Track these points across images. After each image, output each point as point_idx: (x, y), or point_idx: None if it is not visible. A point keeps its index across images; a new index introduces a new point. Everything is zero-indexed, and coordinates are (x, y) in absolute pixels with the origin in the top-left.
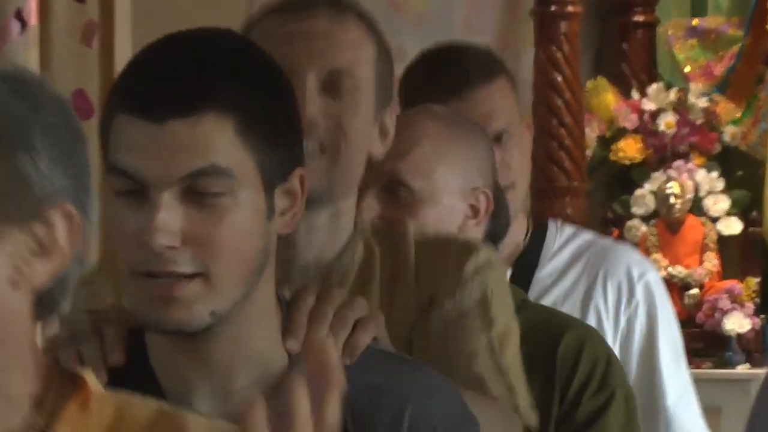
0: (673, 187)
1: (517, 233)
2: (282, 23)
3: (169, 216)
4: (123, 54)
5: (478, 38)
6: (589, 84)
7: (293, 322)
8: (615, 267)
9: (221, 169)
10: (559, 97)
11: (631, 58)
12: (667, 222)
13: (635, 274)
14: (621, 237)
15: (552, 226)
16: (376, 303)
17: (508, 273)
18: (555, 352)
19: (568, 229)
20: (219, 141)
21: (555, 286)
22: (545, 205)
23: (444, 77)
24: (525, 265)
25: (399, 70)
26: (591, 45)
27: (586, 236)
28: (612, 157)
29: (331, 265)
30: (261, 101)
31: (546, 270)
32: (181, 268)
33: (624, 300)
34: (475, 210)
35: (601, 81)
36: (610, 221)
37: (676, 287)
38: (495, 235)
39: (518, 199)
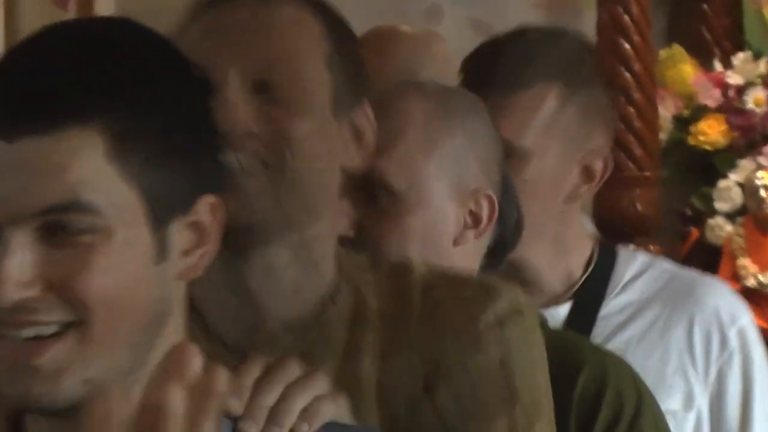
0: (764, 178)
1: (577, 259)
2: (205, 17)
3: (22, 261)
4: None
5: None
6: (662, 53)
7: (235, 386)
8: (703, 308)
9: (85, 205)
10: (626, 69)
11: (712, 22)
12: (756, 220)
13: (726, 318)
14: (701, 237)
15: (623, 252)
16: (367, 372)
17: (566, 308)
18: (572, 389)
19: (642, 257)
20: (84, 167)
21: (626, 327)
22: (611, 198)
23: (474, 76)
24: (588, 299)
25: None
26: (665, 6)
27: (665, 266)
28: (690, 141)
29: (307, 322)
30: (146, 110)
31: (615, 305)
32: (45, 316)
33: (715, 350)
34: (475, 217)
35: (677, 49)
36: (688, 219)
37: (766, 299)
38: (503, 247)
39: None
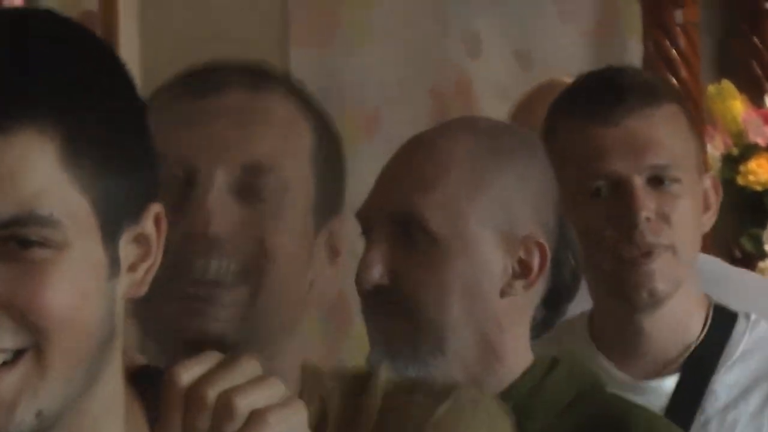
0: None
1: (693, 323)
2: (183, 102)
3: None
4: (129, 53)
5: (570, 25)
6: (711, 88)
7: (162, 417)
8: None
9: (44, 218)
10: None
11: (763, 56)
12: None
13: None
14: None
15: (742, 318)
16: None
17: (672, 380)
18: None
19: (765, 326)
20: (40, 174)
21: (737, 405)
22: None
23: (592, 100)
24: (698, 371)
25: (474, 64)
26: (713, 39)
27: None
28: (740, 180)
29: None
30: (97, 112)
31: (727, 379)
32: (1, 342)
33: None
34: (524, 266)
35: (726, 85)
36: (737, 261)
37: None
38: (557, 299)
39: (677, 271)
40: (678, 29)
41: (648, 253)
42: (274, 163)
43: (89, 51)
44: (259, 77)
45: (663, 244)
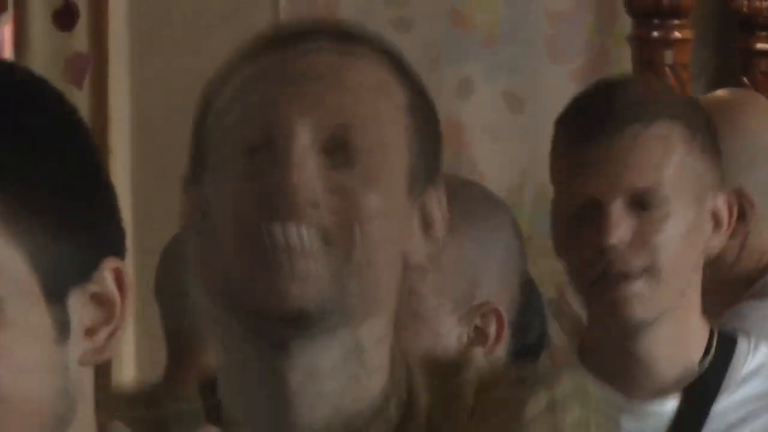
0: None
1: (692, 348)
2: (269, 62)
3: None
4: (120, 95)
5: (560, 66)
6: None
7: None
8: None
9: None
10: None
11: None
12: None
13: None
14: None
15: (743, 341)
16: None
17: (675, 402)
18: None
19: (764, 349)
20: None
21: (744, 425)
22: None
23: (580, 115)
24: (701, 394)
25: (464, 106)
26: (704, 80)
27: None
28: None
29: (353, 429)
30: (35, 167)
31: (729, 402)
32: None
33: None
34: (481, 334)
35: None
36: None
37: None
38: (524, 358)
39: (658, 297)
40: (668, 69)
41: (620, 278)
42: (367, 126)
43: (35, 106)
44: (348, 36)
45: (639, 269)
